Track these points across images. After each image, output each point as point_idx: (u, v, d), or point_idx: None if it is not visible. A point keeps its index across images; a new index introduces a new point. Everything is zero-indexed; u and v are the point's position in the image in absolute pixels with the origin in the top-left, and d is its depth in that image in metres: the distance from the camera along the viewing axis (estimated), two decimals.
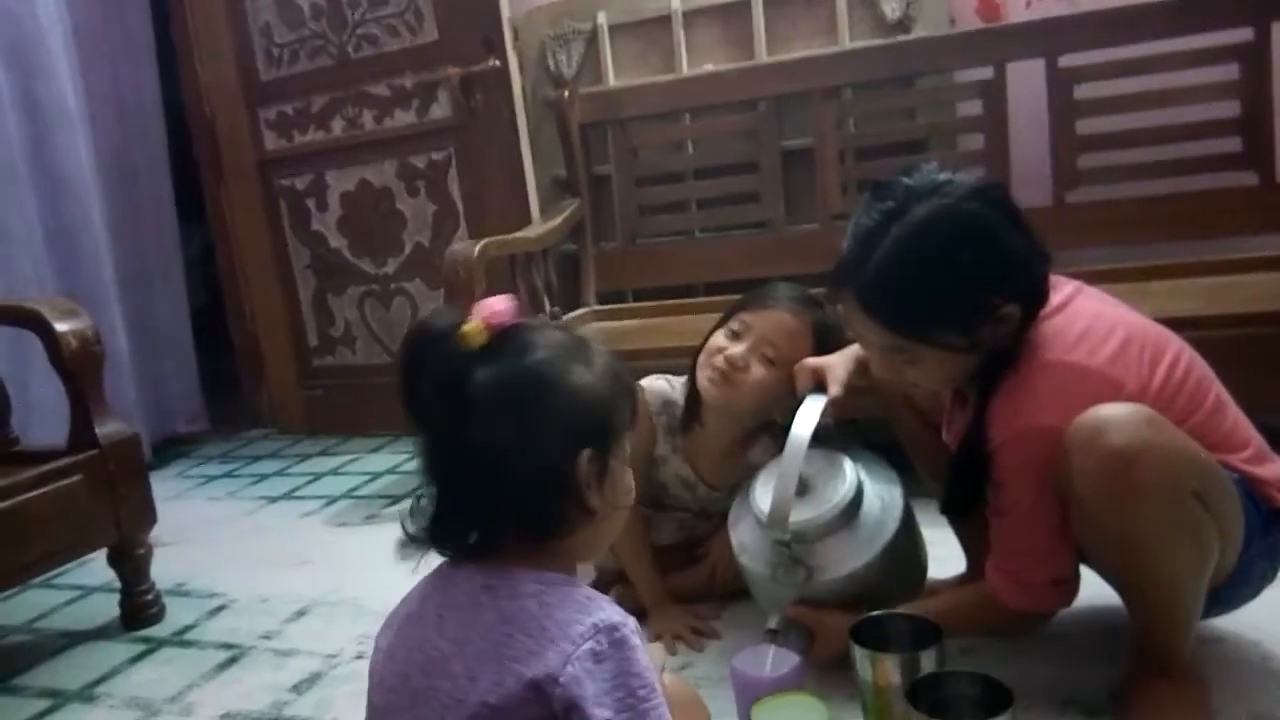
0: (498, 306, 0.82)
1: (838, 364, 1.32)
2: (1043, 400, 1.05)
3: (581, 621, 0.76)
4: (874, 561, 1.22)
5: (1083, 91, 2.20)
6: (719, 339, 1.42)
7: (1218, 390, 1.13)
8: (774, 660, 1.15)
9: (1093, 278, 1.31)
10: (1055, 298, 1.12)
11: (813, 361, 1.33)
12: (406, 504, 0.85)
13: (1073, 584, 1.12)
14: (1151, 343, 1.11)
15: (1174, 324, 1.19)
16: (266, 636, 1.68)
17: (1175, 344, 1.13)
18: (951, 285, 1.05)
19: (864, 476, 1.28)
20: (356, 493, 2.48)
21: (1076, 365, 1.06)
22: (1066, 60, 2.21)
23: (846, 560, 1.22)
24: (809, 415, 1.23)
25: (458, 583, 0.83)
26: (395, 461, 2.71)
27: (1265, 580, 1.14)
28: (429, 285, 2.81)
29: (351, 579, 1.86)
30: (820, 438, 1.23)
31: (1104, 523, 1.00)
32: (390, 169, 2.79)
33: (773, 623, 1.21)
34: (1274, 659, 1.19)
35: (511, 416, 0.79)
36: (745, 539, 1.31)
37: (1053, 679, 1.19)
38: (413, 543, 0.84)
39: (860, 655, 1.07)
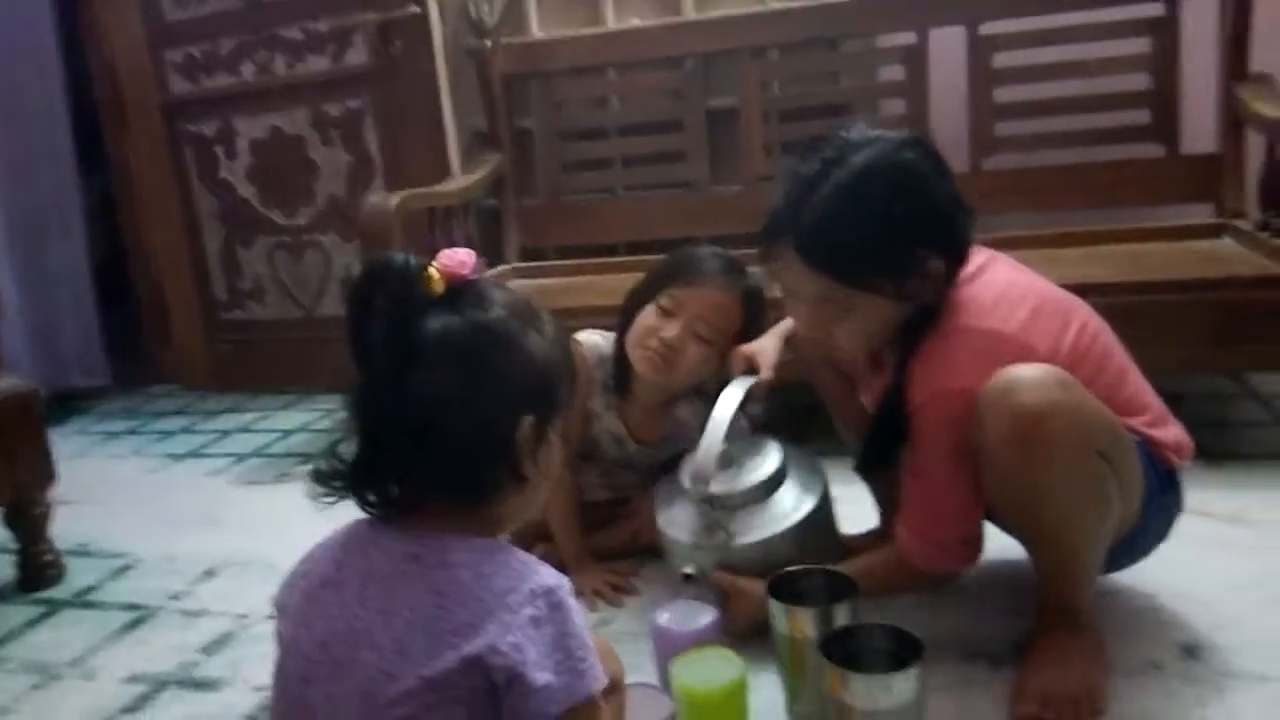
0: (462, 258, 0.80)
1: (769, 347, 1.36)
2: (959, 364, 1.08)
3: (518, 589, 0.75)
4: (789, 533, 1.24)
5: (1001, 60, 2.24)
6: (650, 317, 1.41)
7: (1121, 356, 1.17)
8: (692, 615, 1.16)
9: (1007, 244, 1.35)
10: (970, 265, 1.15)
11: (747, 348, 1.37)
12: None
13: (979, 543, 1.16)
14: (1061, 310, 1.15)
15: (1083, 289, 1.23)
16: (174, 597, 1.64)
17: (1083, 311, 1.17)
18: (888, 232, 1.07)
19: (789, 460, 1.31)
20: (267, 450, 2.42)
21: (991, 330, 1.09)
22: (987, 28, 2.24)
23: (763, 528, 1.25)
24: (735, 393, 1.27)
25: (381, 548, 0.80)
26: (308, 419, 2.65)
27: (1159, 538, 1.19)
28: (343, 238, 2.73)
29: (263, 538, 1.81)
30: (756, 427, 1.29)
31: (1014, 479, 1.03)
32: (303, 117, 2.69)
33: (689, 568, 1.22)
34: (1164, 611, 1.25)
35: (461, 369, 0.77)
36: (672, 513, 1.32)
37: (960, 631, 1.23)
38: (326, 485, 0.80)
39: (776, 609, 1.08)
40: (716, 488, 1.25)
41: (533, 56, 2.49)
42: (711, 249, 1.48)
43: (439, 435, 0.77)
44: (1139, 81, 2.20)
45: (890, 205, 1.06)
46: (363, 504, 0.82)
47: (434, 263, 0.79)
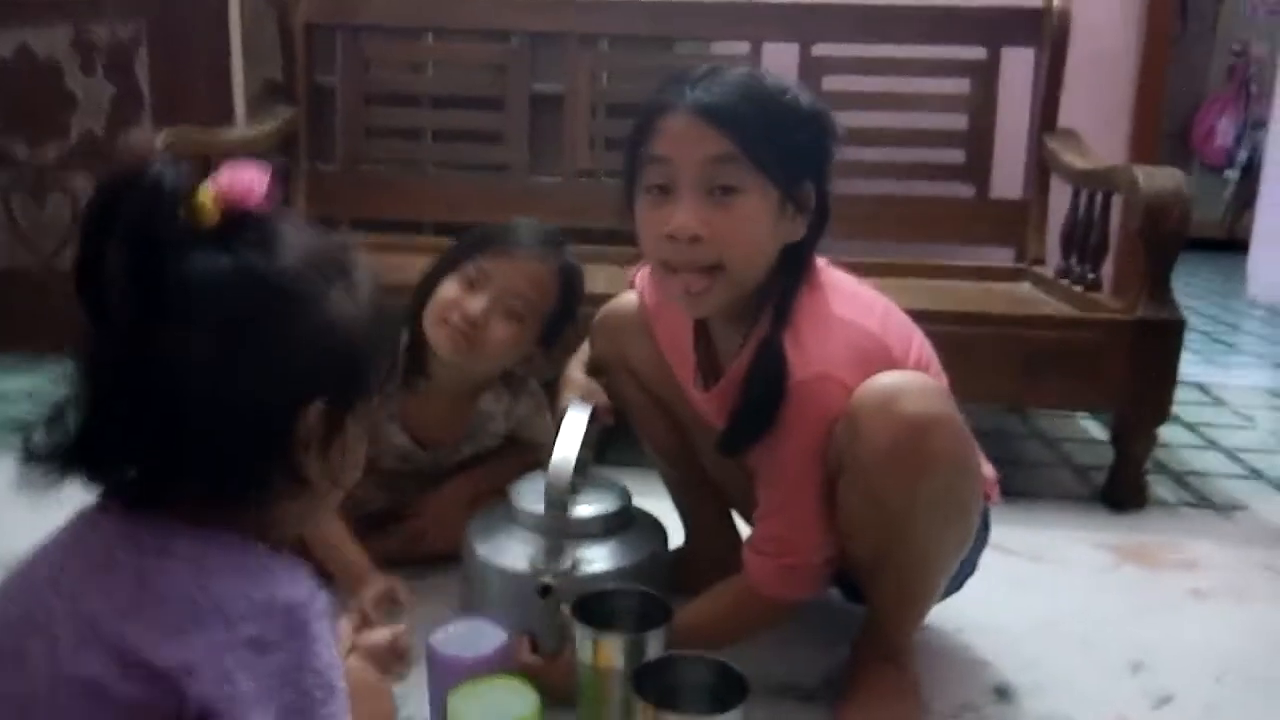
0: (246, 177, 0.60)
1: (580, 376, 1.26)
2: (837, 354, 0.98)
3: (248, 596, 0.56)
4: (642, 565, 1.11)
5: (830, 83, 2.22)
6: (452, 289, 1.25)
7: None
8: (477, 637, 0.99)
9: None
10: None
11: (572, 379, 1.25)
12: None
13: (832, 567, 1.04)
14: (904, 319, 1.09)
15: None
16: None
17: (917, 328, 1.11)
18: (791, 120, 0.98)
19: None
20: None
21: (859, 326, 1.00)
22: (819, 49, 2.22)
23: (616, 558, 1.11)
24: (579, 415, 1.12)
25: (99, 528, 0.61)
26: (33, 385, 2.26)
27: (971, 572, 1.14)
28: (96, 182, 2.37)
29: None
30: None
31: (883, 494, 0.93)
32: (63, 37, 2.31)
33: (548, 578, 1.03)
34: (974, 649, 1.21)
35: (223, 331, 0.58)
36: (497, 542, 1.15)
37: (767, 664, 1.12)
38: (38, 463, 0.59)
39: (581, 633, 0.94)
40: (572, 515, 1.10)
41: (340, 7, 2.25)
42: (528, 219, 1.33)
43: (188, 413, 0.58)
44: (956, 121, 2.24)
45: (789, 104, 0.99)
46: (88, 480, 0.61)
47: (208, 181, 0.59)
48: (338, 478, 0.66)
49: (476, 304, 1.23)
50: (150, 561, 0.57)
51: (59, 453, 0.59)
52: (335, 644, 0.59)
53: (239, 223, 0.59)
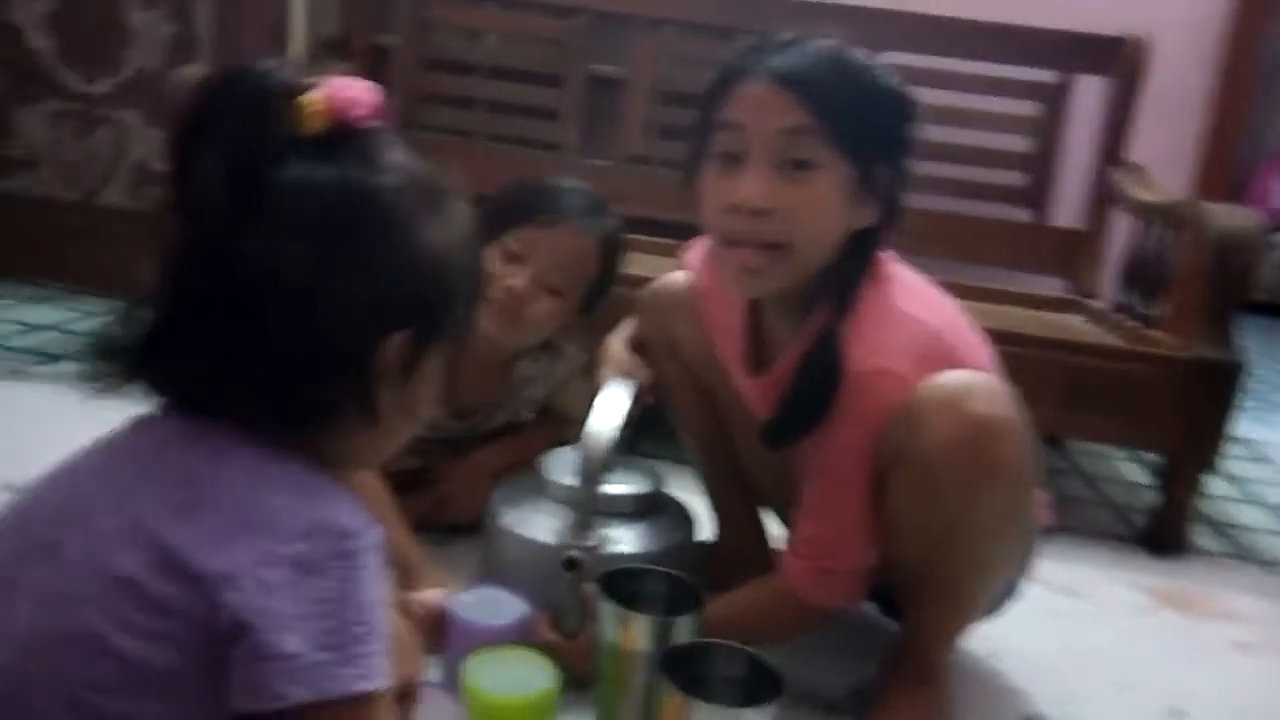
0: (356, 92, 0.57)
1: (623, 351, 1.20)
2: (899, 348, 0.93)
3: (299, 513, 0.53)
4: (671, 550, 1.07)
5: None
6: (494, 262, 1.21)
7: None
8: (498, 606, 0.96)
9: None
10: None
11: (613, 355, 1.19)
12: (83, 347, 0.58)
13: (871, 576, 0.99)
14: (973, 326, 1.04)
15: None
16: None
17: (986, 339, 1.06)
18: (877, 98, 0.94)
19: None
20: (2, 342, 2.02)
21: (924, 321, 0.95)
22: (886, 57, 2.17)
23: (646, 539, 1.07)
24: (620, 392, 1.07)
25: (152, 430, 0.58)
26: (62, 318, 2.24)
27: (1010, 594, 1.09)
28: (146, 119, 2.34)
29: None
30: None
31: (941, 493, 0.88)
32: None
33: (575, 552, 0.96)
34: (1007, 676, 1.15)
35: (318, 241, 0.55)
36: (522, 513, 1.11)
37: (793, 670, 1.06)
38: (107, 361, 0.57)
39: (607, 611, 0.89)
40: (603, 487, 1.04)
41: None
42: (570, 181, 1.28)
43: (271, 324, 0.54)
44: (1020, 143, 2.19)
45: (874, 82, 0.94)
46: (152, 385, 0.58)
47: (315, 90, 0.56)
48: (410, 413, 0.63)
49: (519, 280, 1.19)
50: (204, 465, 0.54)
51: (130, 352, 0.57)
52: (383, 584, 0.55)
53: (344, 134, 0.56)
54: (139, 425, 0.59)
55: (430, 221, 0.60)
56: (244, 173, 0.53)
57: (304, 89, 0.56)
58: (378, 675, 0.53)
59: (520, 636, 0.92)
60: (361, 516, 0.55)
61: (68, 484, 0.57)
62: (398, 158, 0.59)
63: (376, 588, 0.54)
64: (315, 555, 0.52)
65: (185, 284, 0.55)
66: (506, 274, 1.19)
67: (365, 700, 0.52)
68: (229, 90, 0.54)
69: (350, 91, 0.57)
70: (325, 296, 0.55)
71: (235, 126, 0.53)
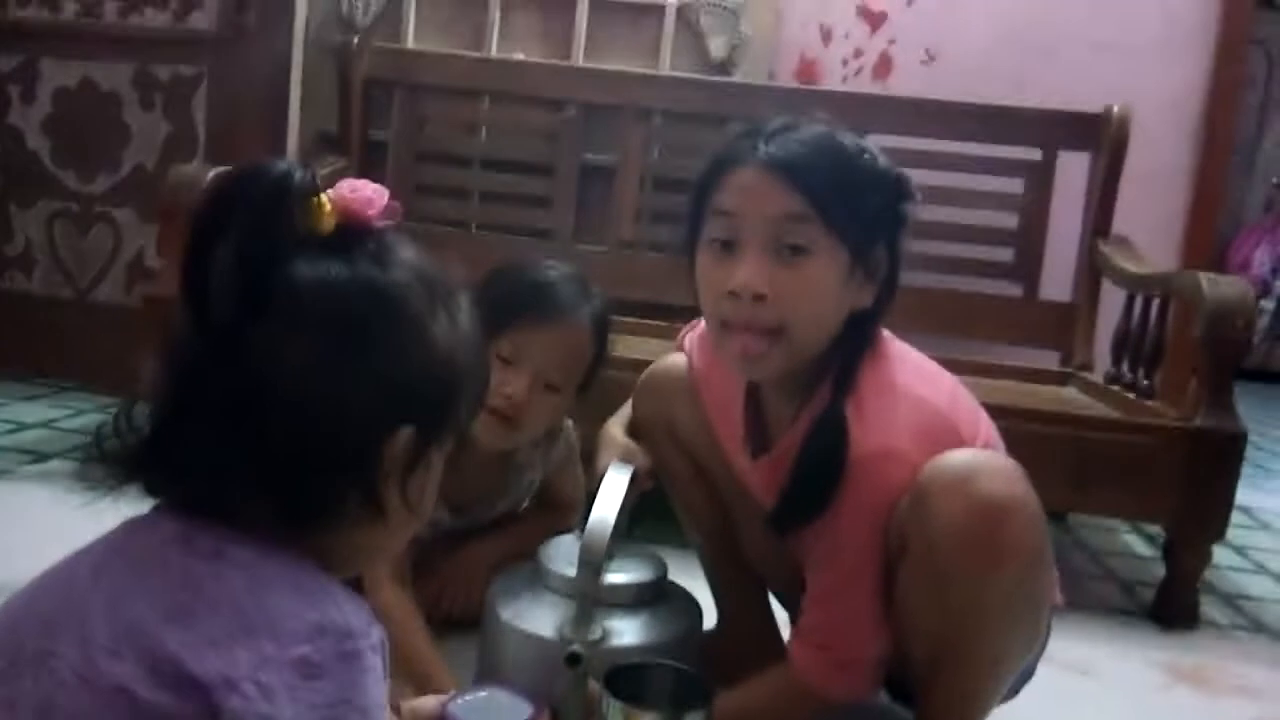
0: (369, 194, 0.58)
1: (621, 436, 1.19)
2: (901, 426, 0.92)
3: (300, 615, 0.52)
4: (675, 642, 1.03)
5: None
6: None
7: None
8: (498, 710, 0.92)
9: None
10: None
11: (612, 440, 1.18)
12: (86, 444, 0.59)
13: (885, 665, 0.97)
14: (971, 398, 1.04)
15: None
16: None
17: (983, 410, 1.06)
18: (863, 181, 0.94)
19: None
20: None
21: (926, 400, 0.95)
22: (874, 140, 2.21)
23: (649, 631, 1.03)
24: (618, 479, 1.05)
25: (147, 531, 0.57)
26: (53, 416, 2.23)
27: (1026, 677, 1.07)
28: (141, 216, 2.36)
29: None
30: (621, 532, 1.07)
31: (951, 582, 0.86)
32: (125, 73, 2.34)
33: (576, 647, 0.94)
34: None
35: (329, 338, 0.55)
36: (521, 606, 1.07)
37: None
38: (106, 465, 0.57)
39: (613, 709, 0.87)
40: (605, 577, 1.02)
41: (402, 66, 2.28)
42: (551, 266, 1.24)
43: (275, 420, 0.54)
44: (1008, 220, 2.22)
45: (866, 165, 0.95)
46: (149, 485, 0.57)
47: (328, 191, 0.57)
48: (415, 508, 0.62)
49: (518, 385, 1.16)
50: (202, 565, 0.53)
51: (130, 450, 0.56)
52: (385, 684, 0.54)
53: (354, 233, 0.57)
54: (132, 527, 0.58)
55: (438, 319, 0.60)
56: (257, 268, 0.53)
57: (319, 188, 0.56)
58: None
59: None
60: (364, 615, 0.54)
61: (61, 590, 0.55)
62: (407, 256, 0.60)
63: (379, 689, 0.53)
64: (317, 658, 0.51)
65: (190, 380, 0.55)
66: (503, 381, 1.15)
67: None
68: (245, 187, 0.54)
69: (362, 193, 0.58)
70: (334, 393, 0.55)
71: (251, 223, 0.53)
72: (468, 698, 0.93)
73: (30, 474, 1.81)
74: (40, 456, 1.92)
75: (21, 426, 2.12)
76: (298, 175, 0.55)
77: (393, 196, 0.61)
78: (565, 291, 1.20)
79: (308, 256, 0.55)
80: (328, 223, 0.56)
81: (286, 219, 0.54)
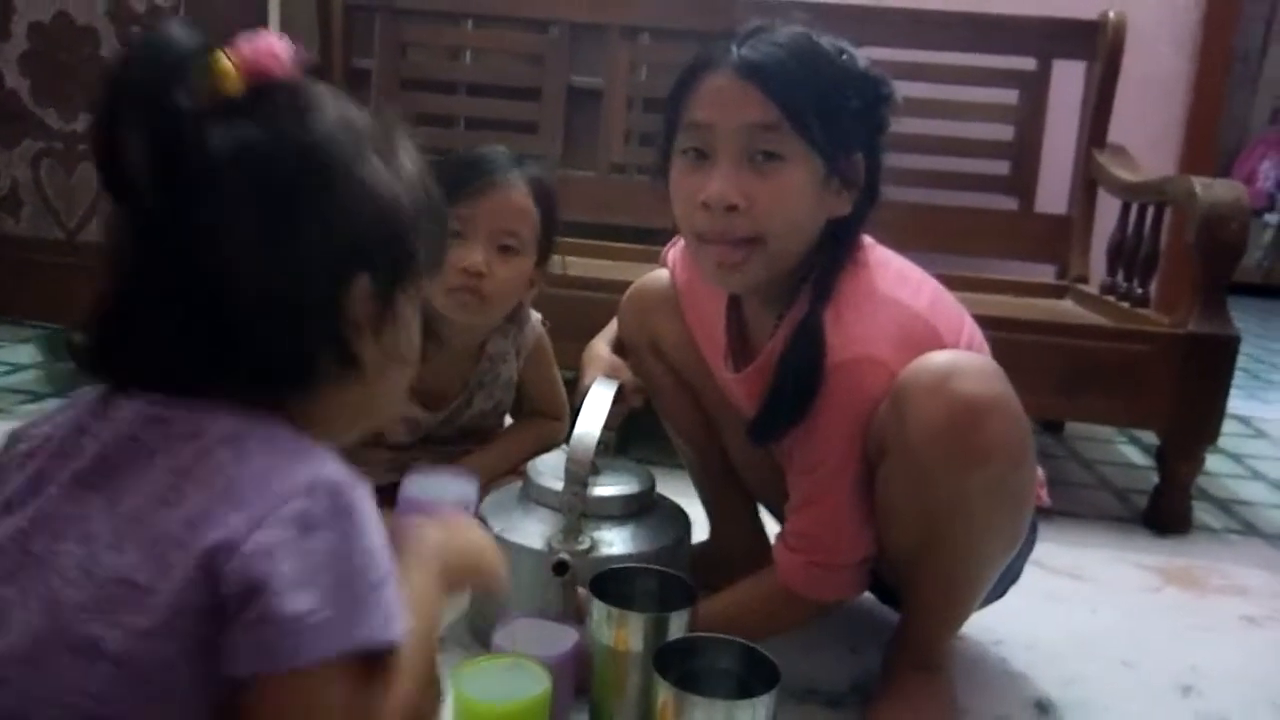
0: (271, 45, 0.56)
1: (607, 352, 1.19)
2: (882, 333, 0.91)
3: (290, 475, 0.52)
4: (663, 552, 1.04)
5: None
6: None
7: None
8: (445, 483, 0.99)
9: None
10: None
11: (596, 355, 1.19)
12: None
13: (868, 567, 0.98)
14: (954, 302, 1.03)
15: None
16: None
17: (967, 312, 1.05)
18: (847, 85, 0.92)
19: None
20: None
21: (906, 305, 0.94)
22: (866, 52, 2.17)
23: (637, 541, 1.04)
24: (603, 392, 1.05)
25: (121, 413, 0.56)
26: (45, 357, 2.23)
27: (1014, 579, 1.07)
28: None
29: None
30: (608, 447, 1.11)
31: (931, 482, 0.86)
32: (100, 5, 2.30)
33: (564, 555, 0.97)
34: (1012, 662, 1.13)
35: (253, 204, 0.54)
36: (512, 519, 1.07)
37: (793, 665, 1.05)
38: (78, 364, 0.57)
39: (599, 612, 0.88)
40: (592, 495, 1.03)
41: None
42: (486, 148, 1.25)
43: (223, 290, 0.53)
44: (1003, 132, 2.19)
45: (843, 68, 0.92)
46: (118, 374, 0.57)
47: (227, 49, 0.55)
48: (396, 354, 0.61)
49: (474, 255, 1.18)
50: (184, 446, 0.53)
51: (90, 344, 0.56)
52: (382, 531, 0.54)
53: (265, 90, 0.55)
54: (106, 413, 0.56)
55: (369, 163, 0.58)
56: (166, 142, 0.52)
57: (213, 50, 0.54)
58: (394, 625, 0.52)
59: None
60: (347, 471, 0.54)
61: (58, 495, 0.54)
62: (328, 104, 0.58)
63: (378, 532, 0.53)
64: (314, 511, 0.51)
65: (130, 262, 0.54)
66: (459, 257, 1.18)
67: (382, 649, 0.51)
68: (138, 60, 0.52)
69: (263, 47, 0.55)
70: (274, 255, 0.54)
71: (150, 96, 0.51)
72: (420, 477, 0.98)
73: (26, 414, 1.82)
74: (35, 396, 1.93)
75: (16, 368, 2.13)
76: (182, 35, 0.52)
77: None
78: (495, 159, 1.23)
79: (219, 121, 0.53)
80: (235, 83, 0.54)
81: (184, 86, 0.52)
